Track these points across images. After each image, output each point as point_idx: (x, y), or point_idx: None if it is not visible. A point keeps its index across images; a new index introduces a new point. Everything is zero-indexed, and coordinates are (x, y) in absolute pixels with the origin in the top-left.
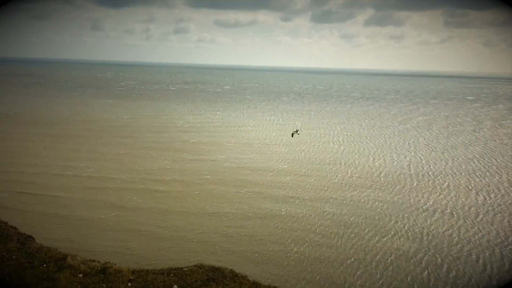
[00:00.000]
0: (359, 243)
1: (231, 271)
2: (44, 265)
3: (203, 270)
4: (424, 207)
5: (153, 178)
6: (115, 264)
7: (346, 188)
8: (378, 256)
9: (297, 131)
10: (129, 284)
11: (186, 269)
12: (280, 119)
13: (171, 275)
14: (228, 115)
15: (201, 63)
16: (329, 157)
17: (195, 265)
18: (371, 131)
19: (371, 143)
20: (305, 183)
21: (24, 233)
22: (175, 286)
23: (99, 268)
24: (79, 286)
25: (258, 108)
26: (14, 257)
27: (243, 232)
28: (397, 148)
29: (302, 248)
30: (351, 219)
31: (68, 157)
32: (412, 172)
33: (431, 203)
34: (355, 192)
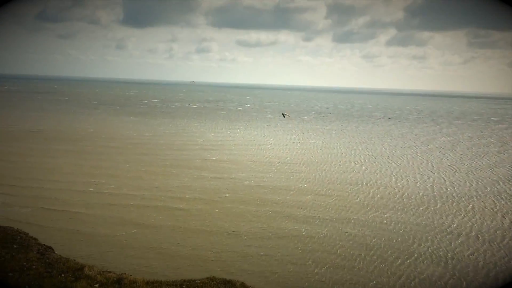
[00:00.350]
0: (381, 266)
1: (242, 283)
2: (62, 275)
3: (214, 282)
4: (448, 230)
5: (173, 195)
6: (131, 275)
7: (368, 209)
8: (401, 280)
9: (284, 114)
10: None
11: (198, 281)
12: (301, 138)
13: (184, 286)
14: (248, 134)
15: (223, 82)
16: (350, 177)
17: (207, 278)
18: (393, 151)
19: (393, 163)
20: (326, 203)
21: (44, 244)
22: None
23: (114, 278)
24: None
25: (278, 126)
26: (34, 266)
27: (262, 251)
28: (420, 168)
29: (323, 270)
30: (373, 240)
31: (90, 173)
32: (435, 193)
33: (455, 225)
34: (377, 213)
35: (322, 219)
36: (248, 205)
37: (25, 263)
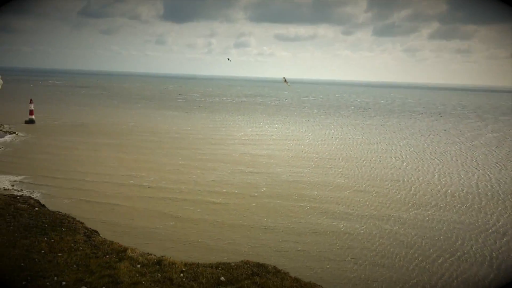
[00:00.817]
0: (422, 264)
1: (274, 267)
2: (107, 255)
3: (248, 265)
4: (493, 228)
5: (211, 189)
6: (170, 257)
7: (409, 206)
8: (442, 279)
9: (286, 81)
10: (181, 274)
11: (233, 264)
12: (340, 133)
13: (219, 268)
14: (286, 128)
15: (261, 76)
16: (391, 173)
17: (242, 261)
18: (436, 147)
19: (436, 160)
20: (365, 199)
21: (90, 228)
22: (222, 278)
23: (155, 260)
24: (137, 275)
25: (317, 121)
26: (81, 248)
27: (299, 247)
28: (464, 165)
29: (361, 267)
30: (414, 238)
31: (130, 166)
32: (480, 191)
33: (500, 224)
34: (418, 211)
35: (361, 216)
36: (285, 200)
37: (73, 245)
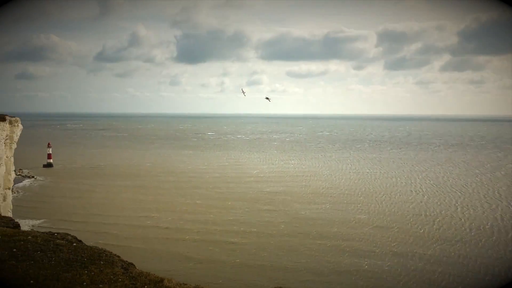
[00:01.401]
0: None
1: None
2: (145, 286)
3: None
4: None
5: (229, 229)
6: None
7: (433, 241)
8: None
9: (267, 98)
10: None
11: None
12: (357, 168)
13: None
14: (302, 164)
15: (274, 113)
16: (412, 207)
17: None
18: (457, 179)
19: (457, 192)
20: (387, 236)
21: (126, 260)
22: None
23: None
24: None
25: (332, 156)
26: (120, 279)
27: (322, 287)
28: (487, 197)
29: None
30: (440, 276)
31: (147, 208)
32: (505, 223)
33: None
34: (443, 246)
35: (383, 253)
36: (305, 238)
37: (112, 277)
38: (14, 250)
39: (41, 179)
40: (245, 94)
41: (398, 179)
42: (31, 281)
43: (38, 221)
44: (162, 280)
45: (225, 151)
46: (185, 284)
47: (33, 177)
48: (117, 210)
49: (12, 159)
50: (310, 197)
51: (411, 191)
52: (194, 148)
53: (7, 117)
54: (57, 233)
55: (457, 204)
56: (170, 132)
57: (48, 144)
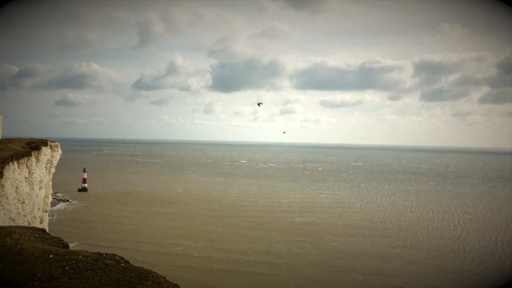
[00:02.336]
0: None
1: None
2: None
3: None
4: None
5: (258, 259)
6: None
7: (472, 279)
8: None
9: (259, 104)
10: None
11: None
12: (391, 200)
13: None
14: (334, 194)
15: (306, 142)
16: (450, 243)
17: None
18: (497, 215)
19: (498, 229)
20: (420, 272)
21: (172, 282)
22: None
23: None
24: None
25: (366, 187)
26: None
27: None
28: None
29: None
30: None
31: (178, 235)
32: None
33: None
34: (482, 285)
35: None
36: (335, 271)
37: None
38: (67, 268)
39: (75, 203)
40: (260, 105)
41: (435, 212)
42: None
43: (71, 244)
44: None
45: (257, 180)
46: None
47: (67, 200)
48: (148, 236)
49: (50, 182)
50: (341, 228)
51: (449, 225)
52: (226, 176)
53: (48, 142)
54: (106, 254)
55: (497, 242)
56: (203, 159)
57: (84, 169)
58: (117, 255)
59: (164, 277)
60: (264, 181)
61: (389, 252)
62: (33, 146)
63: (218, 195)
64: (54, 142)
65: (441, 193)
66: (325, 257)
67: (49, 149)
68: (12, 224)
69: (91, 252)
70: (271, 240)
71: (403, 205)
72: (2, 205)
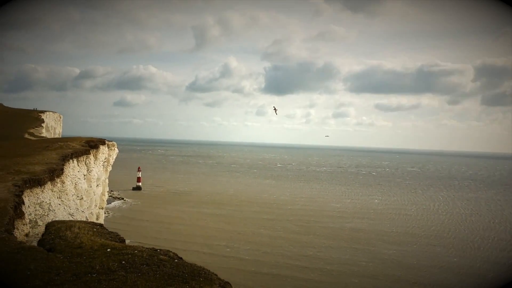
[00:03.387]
0: None
1: None
2: None
3: None
4: None
5: (306, 265)
6: None
7: None
8: None
9: (275, 109)
10: None
11: None
12: (450, 207)
13: None
14: (388, 200)
15: (359, 146)
16: (510, 254)
17: None
18: None
19: None
20: (484, 283)
21: (223, 279)
22: None
23: None
24: None
25: (421, 193)
26: None
27: None
28: None
29: None
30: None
31: (228, 237)
32: None
33: None
34: None
35: None
36: (389, 281)
37: None
38: (123, 262)
39: (130, 201)
40: (276, 112)
41: (496, 222)
42: None
43: (125, 242)
44: None
45: (308, 183)
46: None
47: (122, 198)
48: (198, 237)
49: (107, 180)
50: (395, 236)
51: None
52: (277, 178)
53: (106, 141)
54: (160, 249)
55: None
56: (254, 161)
57: (138, 168)
58: (171, 251)
59: (216, 275)
60: (316, 185)
61: (446, 262)
62: (92, 144)
63: (269, 197)
64: (111, 141)
65: (502, 202)
66: (377, 266)
67: (107, 148)
68: (71, 219)
69: (146, 248)
70: (322, 245)
71: (462, 213)
72: (62, 200)
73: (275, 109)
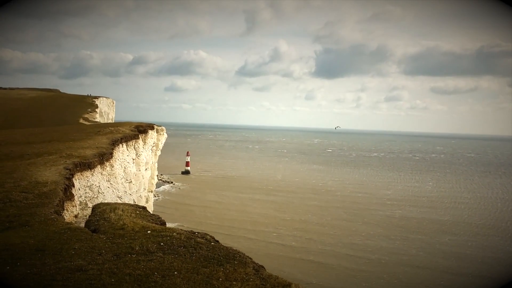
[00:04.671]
0: None
1: None
2: None
3: None
4: None
5: (357, 254)
6: None
7: None
8: None
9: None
10: None
11: None
12: (508, 195)
13: None
14: (441, 187)
15: (412, 131)
16: None
17: None
18: None
19: None
20: None
21: (257, 263)
22: None
23: None
24: None
25: (478, 181)
26: (251, 279)
27: None
28: None
29: None
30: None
31: (274, 223)
32: None
33: None
34: None
35: None
36: (439, 272)
37: (244, 276)
38: (162, 244)
39: (178, 185)
40: (337, 128)
41: None
42: (175, 272)
43: (172, 225)
44: (289, 284)
45: (358, 169)
46: None
47: (171, 182)
48: (245, 222)
49: (156, 164)
50: (449, 225)
51: None
52: (325, 164)
53: (155, 126)
54: (198, 232)
55: None
56: (301, 146)
57: (187, 152)
58: (208, 235)
59: (250, 258)
60: (366, 170)
61: (503, 253)
62: (141, 129)
63: (317, 183)
64: (160, 126)
65: None
66: (428, 256)
67: (155, 132)
68: (119, 201)
69: (184, 230)
70: (370, 233)
71: None
72: (111, 183)
73: (337, 127)
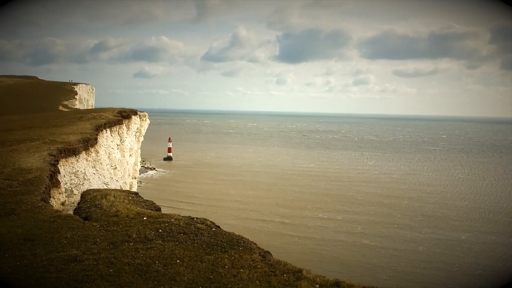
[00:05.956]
0: None
1: None
2: (285, 275)
3: None
4: None
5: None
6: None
7: None
8: None
9: None
10: None
11: None
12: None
13: None
14: (417, 168)
15: (384, 114)
16: None
17: None
18: None
19: None
20: None
21: (263, 249)
22: None
23: (332, 281)
24: None
25: (456, 161)
26: (259, 266)
27: None
28: None
29: None
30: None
31: (258, 203)
32: None
33: None
34: None
35: None
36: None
37: (251, 262)
38: (160, 230)
39: (162, 170)
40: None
41: None
42: (178, 261)
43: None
44: (300, 270)
45: (335, 151)
46: (324, 277)
47: (154, 168)
48: (231, 205)
49: (139, 151)
50: (433, 206)
51: None
52: (301, 147)
53: (138, 112)
54: (197, 218)
55: None
56: (277, 130)
57: (169, 138)
58: (208, 220)
59: (255, 244)
60: (335, 152)
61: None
62: (124, 115)
63: (301, 166)
64: (143, 112)
65: None
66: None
67: (139, 118)
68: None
69: (183, 216)
70: (347, 211)
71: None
72: (96, 170)
73: None
